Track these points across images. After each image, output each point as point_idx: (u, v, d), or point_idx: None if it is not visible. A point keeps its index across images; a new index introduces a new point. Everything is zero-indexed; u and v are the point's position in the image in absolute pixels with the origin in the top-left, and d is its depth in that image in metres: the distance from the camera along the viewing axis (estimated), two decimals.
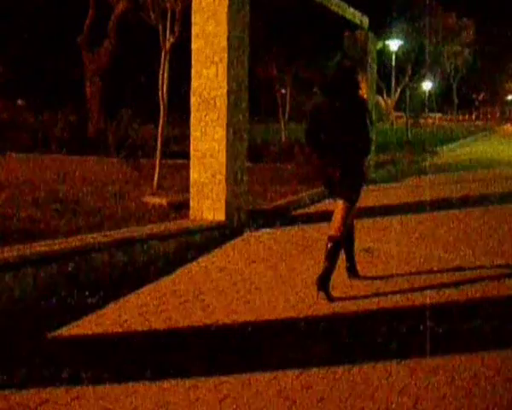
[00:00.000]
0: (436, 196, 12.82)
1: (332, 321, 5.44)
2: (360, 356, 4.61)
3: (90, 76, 20.93)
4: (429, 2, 35.11)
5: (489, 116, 78.87)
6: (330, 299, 5.87)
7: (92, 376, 4.15)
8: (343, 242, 6.31)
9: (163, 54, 10.97)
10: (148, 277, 6.51)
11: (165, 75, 11.03)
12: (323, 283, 5.92)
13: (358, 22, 16.25)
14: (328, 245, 6.15)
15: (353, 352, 4.72)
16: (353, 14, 15.86)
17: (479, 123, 69.02)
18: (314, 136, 6.33)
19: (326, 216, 10.49)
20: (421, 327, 5.18)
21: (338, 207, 6.24)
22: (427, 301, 5.94)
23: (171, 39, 10.83)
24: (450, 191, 13.86)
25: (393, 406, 3.89)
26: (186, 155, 9.64)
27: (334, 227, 6.23)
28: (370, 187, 14.71)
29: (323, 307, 5.73)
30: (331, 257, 6.11)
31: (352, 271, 6.71)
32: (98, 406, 3.81)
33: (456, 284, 6.52)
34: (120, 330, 5.07)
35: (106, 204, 9.51)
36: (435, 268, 7.21)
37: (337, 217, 6.23)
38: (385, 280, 6.67)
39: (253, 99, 11.84)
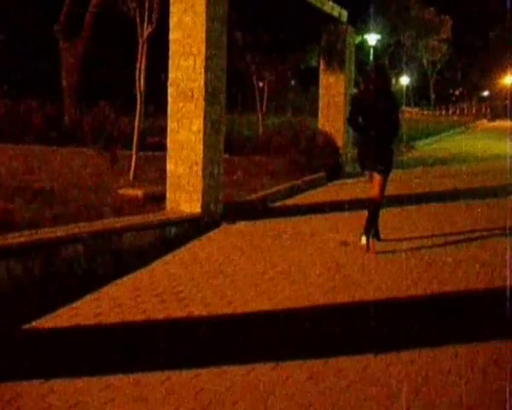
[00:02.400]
0: (412, 191, 12.90)
1: (308, 313, 5.45)
2: (337, 349, 4.62)
3: (66, 66, 20.71)
4: None
5: (465, 111, 79.38)
6: (380, 238, 7.99)
7: (67, 369, 4.12)
8: (382, 204, 8.08)
9: (140, 44, 10.89)
10: (124, 269, 6.47)
11: (143, 66, 10.96)
12: (367, 232, 7.66)
13: (337, 16, 16.26)
14: (371, 208, 7.84)
15: (330, 344, 4.73)
16: (332, 8, 15.86)
17: (455, 118, 69.48)
18: (355, 120, 7.94)
19: (302, 209, 10.60)
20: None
21: (375, 179, 7.87)
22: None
23: (149, 29, 10.75)
24: (427, 186, 13.93)
25: (370, 397, 3.90)
26: (163, 147, 9.59)
27: (375, 194, 7.91)
28: (348, 181, 14.78)
29: (300, 299, 5.74)
30: (374, 217, 7.84)
31: (376, 235, 8.01)
32: (73, 399, 3.78)
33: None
34: (96, 322, 5.03)
35: (81, 195, 9.42)
36: (409, 262, 7.26)
37: (376, 186, 7.88)
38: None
39: (231, 91, 11.81)
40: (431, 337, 4.94)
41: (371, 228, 7.73)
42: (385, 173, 7.84)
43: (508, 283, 6.43)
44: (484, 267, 7.06)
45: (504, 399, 3.93)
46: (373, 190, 7.98)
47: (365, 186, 13.72)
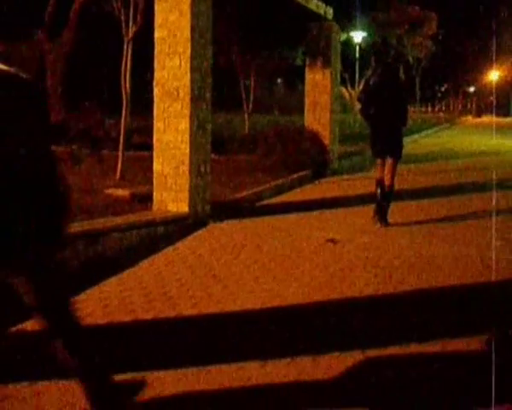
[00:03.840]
0: (397, 187, 12.92)
1: (296, 311, 5.45)
2: (325, 347, 4.63)
3: (50, 67, 20.61)
4: None
5: (451, 108, 79.69)
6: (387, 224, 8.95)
7: (56, 371, 4.10)
8: (394, 186, 9.09)
9: (125, 44, 10.86)
10: (111, 269, 6.44)
11: (128, 65, 10.93)
12: (385, 217, 8.97)
13: (322, 13, 16.26)
14: (382, 191, 8.98)
15: (317, 342, 4.74)
16: (317, 5, 15.87)
17: (441, 114, 69.73)
18: (367, 111, 8.96)
19: (289, 207, 10.61)
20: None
21: (388, 163, 8.96)
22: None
23: (134, 28, 10.72)
24: (412, 182, 13.96)
25: (358, 394, 3.92)
26: (150, 147, 9.57)
27: (388, 178, 8.99)
28: (334, 178, 14.81)
29: (287, 298, 5.74)
30: (389, 197, 9.02)
31: (384, 217, 9.04)
32: (62, 401, 3.76)
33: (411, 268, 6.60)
34: (83, 323, 5.01)
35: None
36: (397, 257, 7.28)
37: (389, 170, 8.98)
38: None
39: (217, 90, 11.80)
40: (421, 337, 4.96)
41: (387, 208, 9.03)
42: (397, 157, 8.97)
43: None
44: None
45: None
46: (380, 174, 9.07)
47: (352, 184, 13.82)
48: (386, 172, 9.03)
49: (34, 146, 2.93)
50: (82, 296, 5.62)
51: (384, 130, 8.94)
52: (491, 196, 11.37)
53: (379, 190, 9.10)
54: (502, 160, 19.71)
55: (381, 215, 9.01)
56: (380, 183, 9.14)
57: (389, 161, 8.99)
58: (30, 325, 4.91)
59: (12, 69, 2.89)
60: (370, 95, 9.00)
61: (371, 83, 9.08)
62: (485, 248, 7.79)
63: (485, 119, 66.03)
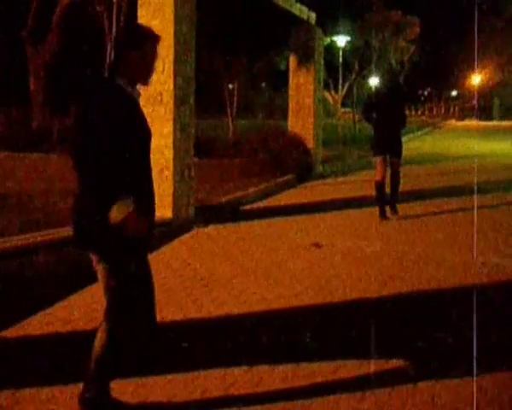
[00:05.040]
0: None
1: (281, 316, 5.44)
2: (309, 352, 4.62)
3: (33, 70, 20.49)
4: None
5: (434, 111, 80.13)
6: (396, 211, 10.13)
7: (38, 378, 4.07)
8: (400, 177, 10.19)
9: (109, 48, 10.83)
10: (94, 275, 6.38)
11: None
12: (395, 204, 10.11)
13: (306, 18, 16.32)
14: (393, 182, 10.08)
15: (302, 347, 4.73)
16: (300, 10, 15.92)
17: (424, 118, 70.03)
18: (369, 115, 10.11)
19: (274, 211, 10.61)
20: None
21: (392, 162, 9.96)
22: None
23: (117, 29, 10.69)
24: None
25: (342, 400, 3.91)
26: None
27: (394, 172, 10.02)
28: (318, 182, 14.83)
29: (272, 302, 5.73)
30: (396, 189, 10.14)
31: (394, 208, 10.14)
32: (45, 408, 3.73)
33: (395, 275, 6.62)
34: (67, 330, 4.98)
35: (50, 202, 9.34)
36: (380, 261, 7.30)
37: (395, 166, 10.02)
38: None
39: (201, 95, 11.78)
40: (400, 344, 4.97)
41: (396, 198, 10.13)
42: (399, 154, 10.04)
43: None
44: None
45: None
46: (380, 174, 9.88)
47: (336, 187, 13.84)
48: (391, 169, 10.04)
49: None
50: (66, 302, 5.58)
51: (387, 131, 9.88)
52: (473, 199, 11.44)
53: (380, 192, 9.95)
54: (486, 163, 19.83)
55: (391, 207, 10.08)
56: (380, 184, 9.91)
57: (393, 159, 10.01)
58: (10, 332, 4.88)
59: None
60: (373, 100, 10.29)
61: (375, 90, 10.24)
62: (468, 250, 7.83)
63: (468, 122, 66.44)
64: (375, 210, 10.07)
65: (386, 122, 9.90)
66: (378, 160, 9.95)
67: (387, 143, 9.91)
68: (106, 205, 3.24)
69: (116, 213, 3.22)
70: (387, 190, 10.15)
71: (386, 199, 10.06)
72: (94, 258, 3.50)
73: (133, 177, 3.41)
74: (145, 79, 3.59)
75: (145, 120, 3.63)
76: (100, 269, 3.50)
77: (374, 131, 10.17)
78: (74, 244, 3.59)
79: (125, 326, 3.58)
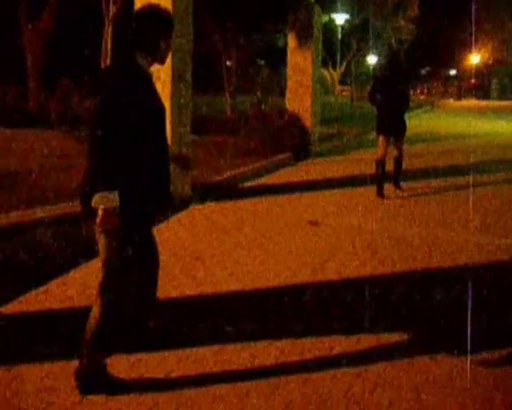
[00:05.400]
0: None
1: (278, 293, 5.46)
2: (306, 329, 4.65)
3: (30, 48, 20.36)
4: None
5: (432, 91, 79.91)
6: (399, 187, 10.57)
7: (36, 354, 4.09)
8: (403, 157, 10.51)
9: (106, 24, 10.76)
10: (91, 252, 6.40)
11: (109, 46, 10.83)
12: (398, 182, 10.54)
13: None
14: (396, 161, 10.43)
15: (299, 324, 4.75)
16: None
17: (422, 97, 69.82)
18: (374, 97, 10.28)
19: (270, 189, 10.61)
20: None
21: (395, 141, 10.29)
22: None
23: (114, 9, 10.62)
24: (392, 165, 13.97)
25: (337, 377, 3.94)
26: None
27: (397, 151, 10.38)
28: (315, 160, 14.82)
29: (269, 280, 5.75)
30: (399, 166, 10.47)
31: (397, 183, 10.59)
32: (42, 384, 3.75)
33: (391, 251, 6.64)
34: (64, 306, 4.99)
35: (47, 178, 9.32)
36: (377, 238, 7.32)
37: (398, 146, 10.34)
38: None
39: (198, 72, 11.73)
40: (395, 321, 5.00)
41: (399, 174, 10.52)
42: (402, 135, 10.37)
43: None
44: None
45: None
46: (382, 153, 10.11)
47: (334, 166, 13.84)
48: (394, 148, 10.41)
49: None
50: (63, 280, 5.60)
51: (391, 112, 10.14)
52: (470, 178, 11.45)
53: (380, 170, 10.12)
54: (484, 142, 19.82)
55: (395, 183, 10.54)
56: (380, 162, 10.09)
57: (396, 140, 10.34)
58: (8, 309, 4.90)
59: None
60: (378, 84, 10.45)
61: (379, 73, 10.31)
62: (464, 230, 7.86)
63: (466, 102, 66.29)
64: (372, 189, 10.08)
65: (389, 104, 10.12)
66: (380, 139, 10.18)
67: (391, 124, 10.16)
68: (114, 180, 3.40)
69: (99, 201, 3.37)
70: (390, 168, 10.38)
71: (384, 178, 10.19)
72: (97, 229, 3.59)
73: (150, 153, 3.60)
74: (164, 60, 3.83)
75: (159, 97, 3.78)
76: (100, 241, 3.62)
77: (378, 112, 10.42)
78: (80, 215, 3.72)
79: (118, 301, 3.65)
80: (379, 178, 10.15)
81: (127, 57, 3.67)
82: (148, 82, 3.67)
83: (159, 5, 3.79)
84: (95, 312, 3.65)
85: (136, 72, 3.58)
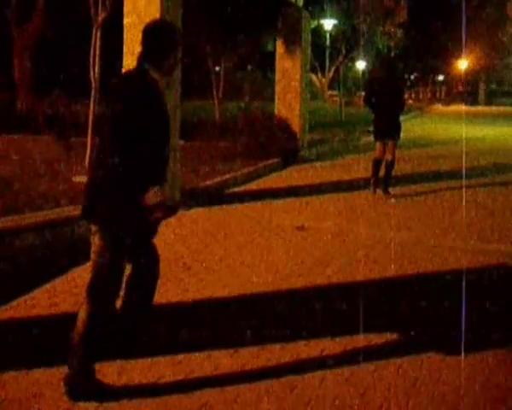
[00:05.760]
0: (367, 174, 13.00)
1: (266, 299, 5.46)
2: (294, 334, 4.64)
3: (18, 52, 20.29)
4: None
5: (421, 96, 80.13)
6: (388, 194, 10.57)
7: (23, 361, 4.06)
8: (394, 161, 10.66)
9: (94, 29, 10.72)
10: (79, 258, 6.37)
11: (97, 51, 10.79)
12: (388, 185, 10.58)
13: (293, 0, 16.25)
14: (388, 164, 10.52)
15: (286, 330, 4.74)
16: None
17: (411, 102, 70.00)
18: (369, 100, 10.67)
19: (259, 195, 10.60)
20: None
21: (390, 143, 10.50)
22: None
23: (103, 14, 10.58)
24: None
25: (328, 380, 3.94)
26: None
27: (390, 155, 10.53)
28: (304, 165, 14.82)
29: (256, 286, 5.74)
30: (390, 170, 10.57)
31: (386, 189, 10.61)
32: (29, 391, 3.72)
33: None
34: (52, 312, 4.96)
35: (35, 184, 9.28)
36: (364, 245, 7.33)
37: (391, 149, 10.52)
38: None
39: (187, 76, 11.71)
40: (383, 326, 5.00)
41: (389, 179, 10.62)
42: (397, 138, 10.65)
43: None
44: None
45: None
46: (380, 154, 10.56)
47: (322, 171, 13.85)
48: (388, 151, 10.56)
49: None
50: (51, 285, 5.57)
51: (386, 115, 10.45)
52: (460, 183, 11.49)
53: (375, 168, 10.58)
54: (472, 147, 19.91)
55: (384, 188, 10.58)
56: (377, 160, 10.60)
57: (391, 142, 10.55)
58: None
59: None
60: (373, 86, 10.91)
61: (373, 76, 10.69)
62: (453, 235, 7.88)
63: (455, 107, 66.49)
64: (361, 193, 10.13)
65: (385, 107, 10.44)
66: (378, 143, 10.68)
67: (386, 128, 10.50)
68: (125, 186, 3.57)
69: (153, 197, 3.58)
70: (382, 172, 10.58)
71: (378, 176, 10.61)
72: (93, 229, 3.70)
73: (157, 159, 3.89)
74: (171, 73, 4.03)
75: (166, 106, 3.98)
76: (95, 242, 3.69)
77: (374, 115, 10.78)
78: (81, 215, 3.80)
79: (105, 305, 3.70)
80: (374, 175, 10.57)
81: (141, 69, 3.80)
82: (158, 94, 3.80)
83: (166, 20, 4.04)
84: (82, 315, 3.67)
85: (148, 84, 3.73)
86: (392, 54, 46.09)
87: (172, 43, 3.85)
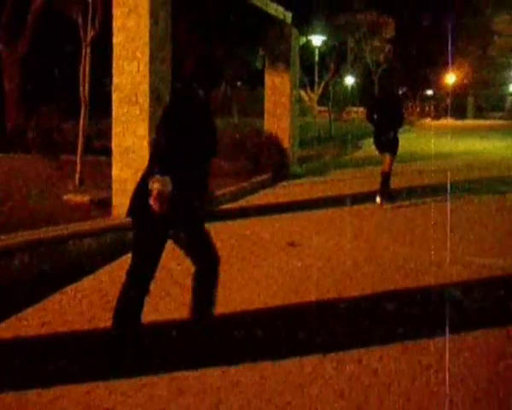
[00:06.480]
0: (357, 190, 13.05)
1: (257, 316, 5.46)
2: (285, 351, 4.64)
3: (8, 71, 20.26)
4: None
5: (409, 110, 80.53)
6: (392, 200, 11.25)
7: (13, 382, 4.04)
8: (391, 174, 11.29)
9: (84, 48, 10.76)
10: (69, 277, 6.37)
11: (87, 70, 10.83)
12: (384, 194, 11.09)
13: (282, 17, 16.34)
14: (383, 176, 11.11)
15: (278, 346, 4.75)
16: (276, 10, 15.93)
17: None
18: (371, 116, 11.33)
19: (249, 211, 10.61)
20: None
21: (386, 157, 11.11)
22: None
23: (92, 33, 10.63)
24: (371, 185, 14.06)
25: (320, 397, 3.94)
26: (109, 152, 9.49)
27: (386, 167, 11.10)
28: (294, 181, 14.86)
29: (246, 303, 5.74)
30: (386, 182, 11.12)
31: (385, 197, 11.15)
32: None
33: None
34: (42, 332, 4.95)
35: (25, 203, 9.27)
36: (356, 261, 7.34)
37: (388, 162, 11.07)
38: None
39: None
40: (372, 339, 5.01)
41: (384, 191, 11.09)
42: (394, 153, 11.19)
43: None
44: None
45: None
46: (384, 166, 11.15)
47: (313, 187, 13.88)
48: (385, 164, 11.16)
49: None
50: (40, 305, 5.55)
51: (384, 130, 11.06)
52: (448, 198, 11.54)
53: (383, 180, 11.18)
54: (461, 162, 20.01)
55: (377, 196, 11.14)
56: (383, 174, 11.21)
57: (388, 155, 11.14)
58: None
59: None
60: (374, 105, 11.71)
61: (376, 95, 11.37)
62: (442, 249, 7.91)
63: (444, 121, 66.86)
64: (351, 209, 10.16)
65: (384, 123, 11.07)
66: (382, 156, 11.34)
67: (385, 142, 11.13)
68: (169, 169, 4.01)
69: (158, 183, 3.89)
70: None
71: (386, 188, 11.27)
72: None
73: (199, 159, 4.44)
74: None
75: (213, 121, 4.63)
76: (134, 234, 4.41)
77: (375, 130, 11.36)
78: (127, 212, 4.43)
79: (138, 286, 4.40)
80: (381, 187, 11.19)
81: (190, 91, 4.41)
82: (204, 106, 4.45)
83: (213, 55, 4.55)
84: (122, 287, 4.37)
85: (196, 102, 4.37)
86: (381, 69, 46.41)
87: (217, 75, 4.62)
